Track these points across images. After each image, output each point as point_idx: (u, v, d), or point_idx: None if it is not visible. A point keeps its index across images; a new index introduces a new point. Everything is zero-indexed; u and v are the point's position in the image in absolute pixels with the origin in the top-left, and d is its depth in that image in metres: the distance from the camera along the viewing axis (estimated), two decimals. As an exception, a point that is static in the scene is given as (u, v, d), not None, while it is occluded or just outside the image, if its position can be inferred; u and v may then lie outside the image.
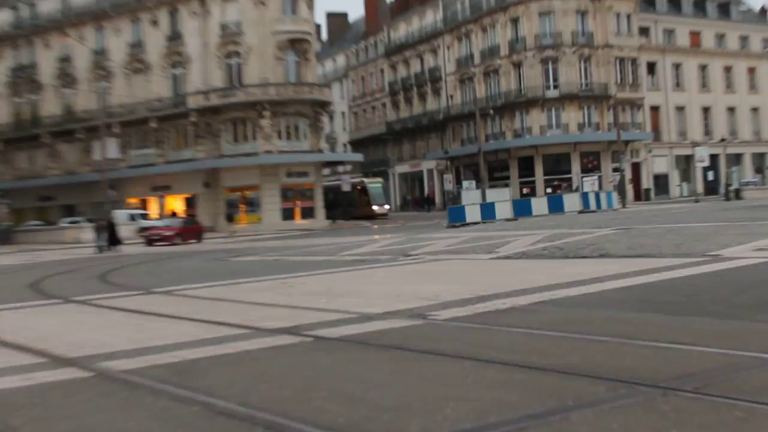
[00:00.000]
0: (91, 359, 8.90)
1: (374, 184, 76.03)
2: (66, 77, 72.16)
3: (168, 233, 46.58)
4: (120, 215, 56.59)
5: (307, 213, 65.95)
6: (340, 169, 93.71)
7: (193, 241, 48.01)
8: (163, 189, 64.87)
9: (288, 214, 64.79)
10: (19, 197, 70.96)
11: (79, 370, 8.35)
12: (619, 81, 74.72)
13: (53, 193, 73.02)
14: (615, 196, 53.78)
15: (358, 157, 78.67)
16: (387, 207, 75.65)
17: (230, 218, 61.04)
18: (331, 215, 70.47)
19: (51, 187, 72.61)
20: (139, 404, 6.78)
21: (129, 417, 6.37)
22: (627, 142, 73.04)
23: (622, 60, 74.91)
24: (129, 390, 7.35)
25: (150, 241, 46.32)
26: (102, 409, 6.72)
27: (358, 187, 74.95)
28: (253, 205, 65.01)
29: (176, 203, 67.64)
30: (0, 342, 10.53)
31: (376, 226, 56.06)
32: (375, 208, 73.56)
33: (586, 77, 73.25)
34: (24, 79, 74.36)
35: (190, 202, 67.29)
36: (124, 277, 22.37)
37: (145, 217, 58.08)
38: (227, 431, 5.85)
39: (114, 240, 41.26)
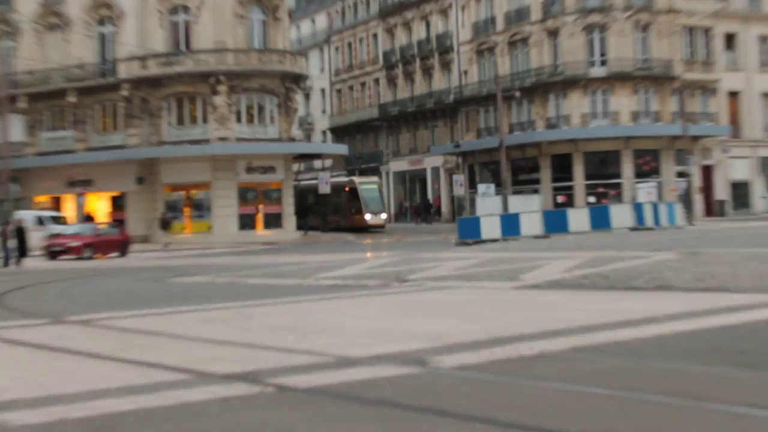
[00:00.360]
0: (-20, 409, 8.83)
1: (368, 186, 76.03)
2: (-43, 34, 72.20)
3: (74, 244, 46.29)
4: (25, 217, 56.48)
5: (273, 221, 66.05)
6: (318, 164, 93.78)
7: (113, 254, 47.87)
8: (82, 184, 64.76)
9: (247, 222, 64.85)
10: None
11: (-37, 424, 8.29)
12: (687, 57, 74.95)
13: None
14: (679, 209, 53.80)
15: (342, 149, 78.81)
16: (384, 216, 75.52)
17: (165, 225, 60.71)
18: (304, 225, 70.50)
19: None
20: (42, 472, 6.72)
21: (28, 489, 6.32)
22: (696, 139, 73.17)
23: (691, 30, 75.26)
24: (29, 452, 7.29)
25: (52, 254, 46.17)
26: (-8, 478, 6.65)
27: (347, 189, 75.31)
28: (201, 208, 65.01)
29: (99, 203, 67.56)
30: None
31: (367, 241, 55.83)
32: (368, 217, 73.60)
33: (643, 51, 73.51)
34: None
35: (118, 203, 67.20)
36: (28, 301, 22.25)
37: (57, 220, 57.89)
38: None
39: (23, 250, 41.21)
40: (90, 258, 45.90)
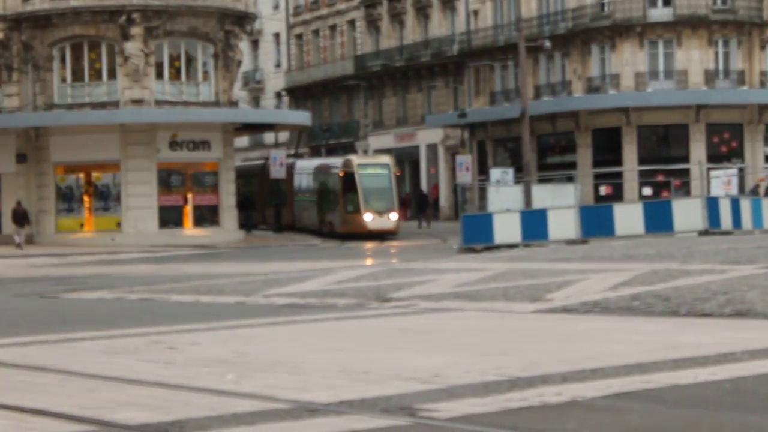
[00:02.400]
0: None
1: (371, 170, 70.78)
2: None
3: None
4: None
5: (207, 216, 66.13)
6: (270, 138, 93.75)
7: None
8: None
9: (171, 217, 64.89)
10: None
11: None
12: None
13: None
14: (766, 204, 53.95)
15: (303, 118, 78.70)
16: (394, 217, 69.30)
17: (19, 219, 60.25)
18: (248, 221, 70.63)
19: None
20: None
21: None
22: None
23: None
24: None
25: None
26: None
27: (342, 174, 70.24)
28: (107, 198, 65.00)
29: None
30: None
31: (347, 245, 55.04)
32: (368, 218, 68.05)
33: (721, -11, 73.75)
34: None
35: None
36: None
37: None
38: None
39: None
40: None
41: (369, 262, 40.52)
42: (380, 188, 69.24)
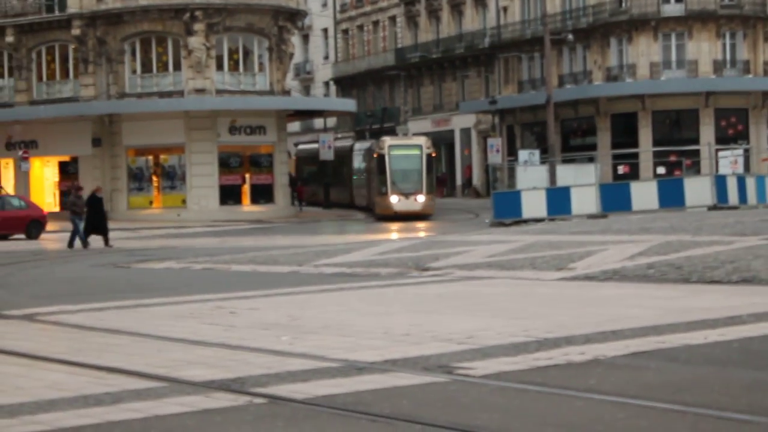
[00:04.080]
0: None
1: (402, 151, 65.40)
2: None
3: None
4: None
5: (262, 194, 66.10)
6: (319, 124, 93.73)
7: (19, 236, 47.66)
8: (24, 146, 64.90)
9: (230, 195, 64.95)
10: None
11: None
12: (785, -7, 74.76)
13: None
14: (770, 182, 53.65)
15: (349, 105, 78.69)
16: (421, 199, 63.13)
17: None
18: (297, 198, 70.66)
19: None
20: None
21: None
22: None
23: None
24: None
25: None
26: None
27: (376, 156, 66.13)
28: (173, 178, 65.14)
29: (46, 170, 67.75)
30: None
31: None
32: (394, 200, 62.88)
33: (730, -15, 73.31)
34: None
35: (68, 170, 67.32)
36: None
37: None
38: None
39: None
40: None
41: (407, 235, 40.44)
42: (409, 170, 63.61)
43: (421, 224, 52.98)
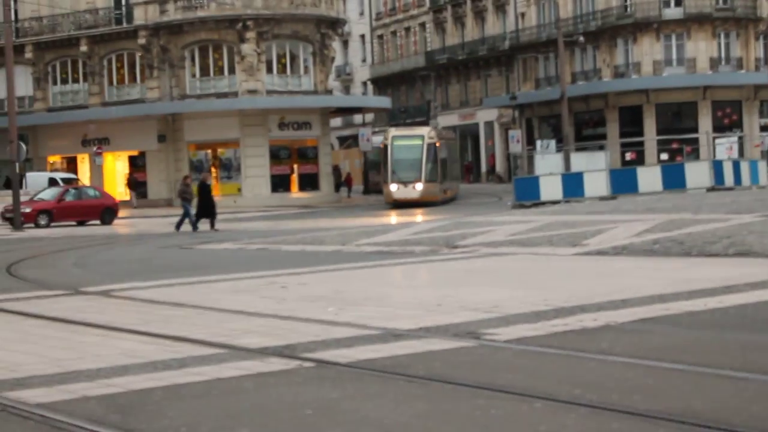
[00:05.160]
0: (-5, 386, 9.04)
1: (405, 142, 60.71)
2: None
3: (26, 210, 46.03)
4: (36, 179, 56.93)
5: (309, 182, 66.16)
6: (358, 119, 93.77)
7: (94, 221, 47.82)
8: (98, 143, 65.22)
9: (280, 183, 65.02)
10: None
11: (-25, 403, 8.48)
12: (774, -4, 74.29)
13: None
14: (763, 166, 53.40)
15: (384, 102, 78.62)
16: (419, 187, 57.79)
17: (132, 185, 59.77)
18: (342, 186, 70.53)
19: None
20: (63, 453, 6.89)
21: (48, 471, 6.50)
22: (783, 88, 72.60)
23: (778, -35, 74.45)
24: (49, 432, 7.42)
25: (8, 220, 46.13)
26: (10, 459, 6.84)
27: (382, 146, 62.51)
28: (229, 169, 65.31)
29: (117, 163, 68.05)
30: None
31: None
32: (393, 188, 58.26)
33: (724, -10, 72.86)
34: None
35: (137, 163, 67.63)
36: (43, 270, 22.54)
37: (71, 182, 58.34)
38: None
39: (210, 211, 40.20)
40: (46, 226, 45.87)
41: (437, 217, 40.40)
42: (409, 159, 58.51)
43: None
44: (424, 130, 62.28)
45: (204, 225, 38.43)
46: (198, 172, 64.72)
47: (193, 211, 39.52)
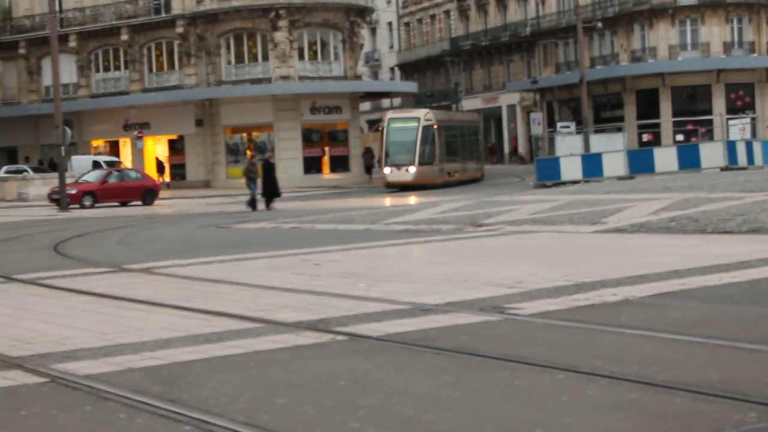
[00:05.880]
0: (43, 359, 9.10)
1: (399, 124, 56.31)
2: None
3: (72, 192, 46.28)
4: (80, 162, 57.22)
5: (339, 164, 66.22)
6: (386, 103, 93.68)
7: (136, 202, 47.99)
8: (139, 127, 65.41)
9: (312, 165, 65.11)
10: (-60, 136, 71.80)
11: (26, 374, 8.56)
12: (785, -19, 73.87)
13: (-14, 129, 73.74)
14: (774, 146, 53.15)
15: (411, 86, 78.65)
16: (412, 170, 54.10)
17: (160, 169, 59.75)
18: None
19: (-17, 121, 73.33)
20: (109, 422, 6.95)
21: (96, 439, 6.54)
22: (795, 70, 72.31)
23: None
24: (95, 402, 7.52)
25: (55, 201, 46.36)
26: (59, 428, 6.89)
27: (380, 129, 59.12)
28: (264, 151, 65.33)
29: (157, 147, 68.27)
30: None
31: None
32: (387, 171, 54.99)
33: (737, -23, 72.49)
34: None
35: (176, 146, 67.87)
36: (89, 249, 22.66)
37: (114, 165, 58.58)
38: (230, 461, 5.99)
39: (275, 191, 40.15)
40: (90, 207, 46.08)
41: (461, 196, 40.37)
42: (402, 142, 54.90)
43: (478, 185, 52.93)
44: (421, 113, 58.27)
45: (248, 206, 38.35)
46: (234, 154, 65.21)
47: (258, 190, 39.49)
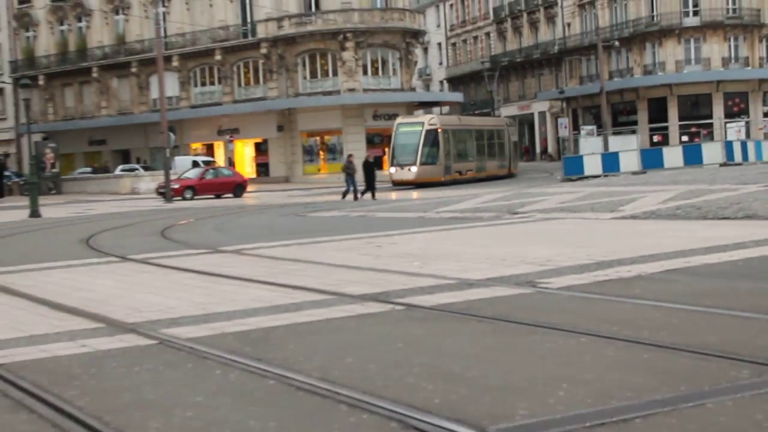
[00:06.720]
0: (153, 325, 9.23)
1: (406, 128, 53.32)
2: (116, 1, 73.31)
3: (175, 186, 46.66)
4: (182, 162, 57.70)
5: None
6: (436, 111, 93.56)
7: (228, 195, 48.31)
8: (230, 132, 65.83)
9: (374, 163, 64.80)
10: (66, 140, 72.52)
11: (139, 337, 8.68)
12: (775, 6, 73.10)
13: (105, 135, 74.52)
14: (765, 145, 52.63)
15: (457, 97, 78.49)
16: (413, 170, 51.12)
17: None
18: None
19: (102, 129, 74.10)
20: (208, 377, 7.04)
21: (196, 391, 6.61)
22: (782, 81, 71.55)
23: (778, -20, 73.17)
24: (196, 361, 7.62)
25: (161, 194, 46.78)
26: (166, 381, 6.99)
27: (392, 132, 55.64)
28: (334, 152, 65.58)
29: (245, 149, 68.65)
30: (51, 304, 10.94)
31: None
32: (392, 171, 52.44)
33: (733, 1, 71.74)
34: (69, 3, 75.71)
35: (261, 148, 68.24)
36: (188, 233, 22.86)
37: (210, 164, 59.03)
38: (307, 409, 6.03)
39: (371, 184, 40.00)
40: (190, 199, 46.41)
41: (500, 189, 40.25)
42: (407, 144, 51.71)
43: (515, 179, 52.81)
44: (426, 118, 55.18)
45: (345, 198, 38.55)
46: (309, 154, 65.51)
47: (360, 186, 39.71)
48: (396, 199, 37.37)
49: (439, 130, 52.77)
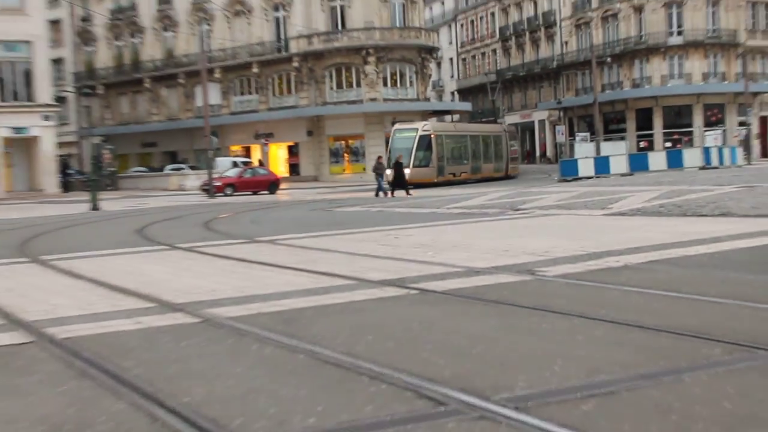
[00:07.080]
0: (198, 305, 9.28)
1: (402, 134, 51.67)
2: (166, 20, 73.59)
3: (217, 183, 46.70)
4: (223, 162, 57.86)
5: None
6: (448, 119, 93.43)
7: (264, 192, 48.42)
8: (265, 136, 65.96)
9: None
10: (121, 143, 73.03)
11: (186, 316, 8.74)
12: (750, 27, 72.58)
13: (155, 138, 74.92)
14: (740, 152, 52.50)
15: (466, 106, 78.34)
16: (406, 171, 44.12)
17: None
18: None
19: (153, 133, 74.49)
20: (246, 351, 7.09)
21: (236, 363, 6.67)
22: (756, 94, 71.22)
23: (754, 4, 72.67)
24: (236, 336, 7.67)
25: (204, 190, 46.97)
26: (210, 354, 7.05)
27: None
28: (357, 154, 65.63)
29: (279, 151, 68.76)
30: (109, 286, 11.04)
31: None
32: (388, 172, 44.52)
33: (713, 23, 71.31)
34: (125, 21, 76.08)
35: (292, 150, 68.34)
36: (228, 225, 22.94)
37: (247, 164, 59.19)
38: (333, 380, 6.09)
39: (401, 183, 39.30)
40: (230, 195, 46.52)
41: (504, 188, 40.22)
42: (401, 148, 49.05)
43: (514, 180, 52.77)
44: (419, 124, 52.99)
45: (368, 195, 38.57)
46: (335, 156, 65.59)
47: (385, 183, 39.72)
48: (414, 197, 37.37)
49: (432, 136, 51.59)
